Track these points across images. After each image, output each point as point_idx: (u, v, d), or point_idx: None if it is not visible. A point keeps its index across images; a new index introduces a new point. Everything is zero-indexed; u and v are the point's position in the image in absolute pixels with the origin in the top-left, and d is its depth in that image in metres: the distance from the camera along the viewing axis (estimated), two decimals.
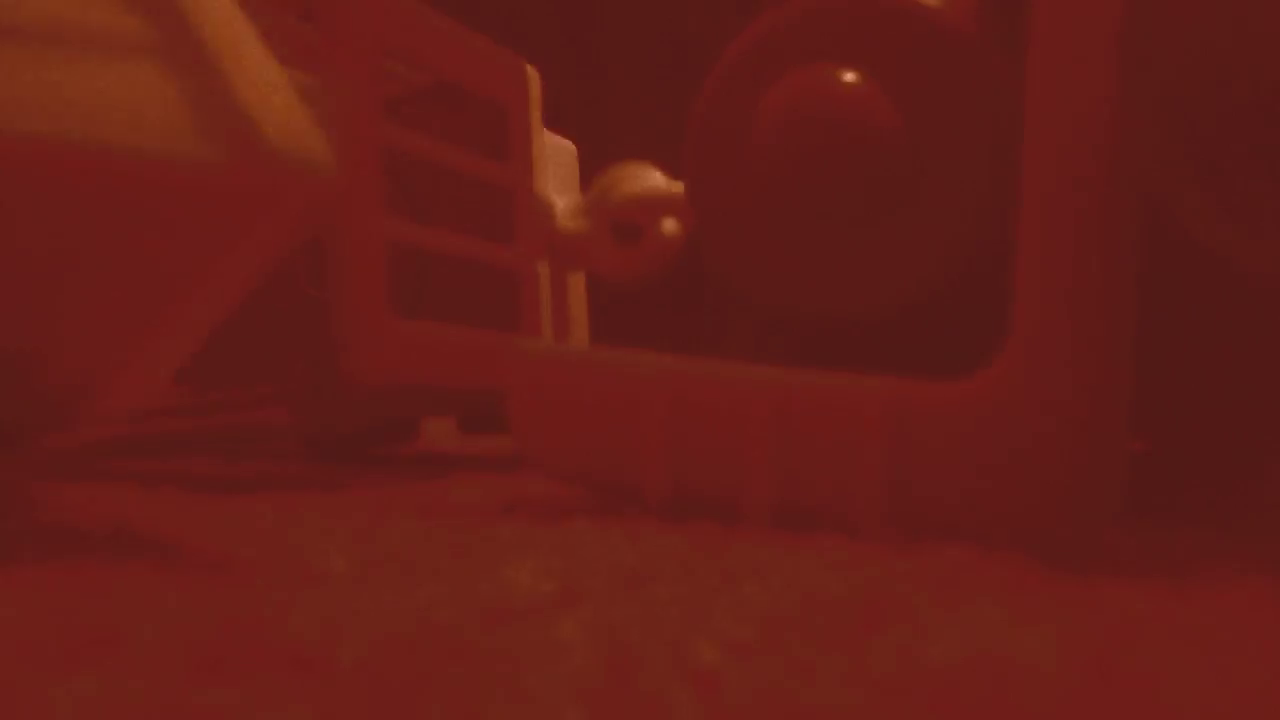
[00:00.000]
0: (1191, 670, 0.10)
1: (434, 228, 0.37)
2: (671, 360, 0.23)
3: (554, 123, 0.44)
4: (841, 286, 0.25)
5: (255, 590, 0.14)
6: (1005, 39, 0.22)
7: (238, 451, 0.32)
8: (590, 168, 0.47)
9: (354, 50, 0.33)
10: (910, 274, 0.24)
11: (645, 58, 0.71)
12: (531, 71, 0.42)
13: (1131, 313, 0.19)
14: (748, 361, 0.23)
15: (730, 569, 0.16)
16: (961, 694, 0.09)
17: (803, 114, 0.24)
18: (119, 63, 0.16)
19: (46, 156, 0.15)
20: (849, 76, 0.24)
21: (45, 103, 0.15)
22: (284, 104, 0.17)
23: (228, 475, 0.32)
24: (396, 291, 0.33)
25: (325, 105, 0.19)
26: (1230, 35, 0.17)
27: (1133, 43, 0.18)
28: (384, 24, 0.34)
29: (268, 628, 0.11)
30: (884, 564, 0.16)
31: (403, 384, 0.33)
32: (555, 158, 0.44)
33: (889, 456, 0.20)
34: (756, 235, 0.25)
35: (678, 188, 0.38)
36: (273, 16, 0.17)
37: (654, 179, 0.40)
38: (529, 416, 0.24)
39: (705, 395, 0.22)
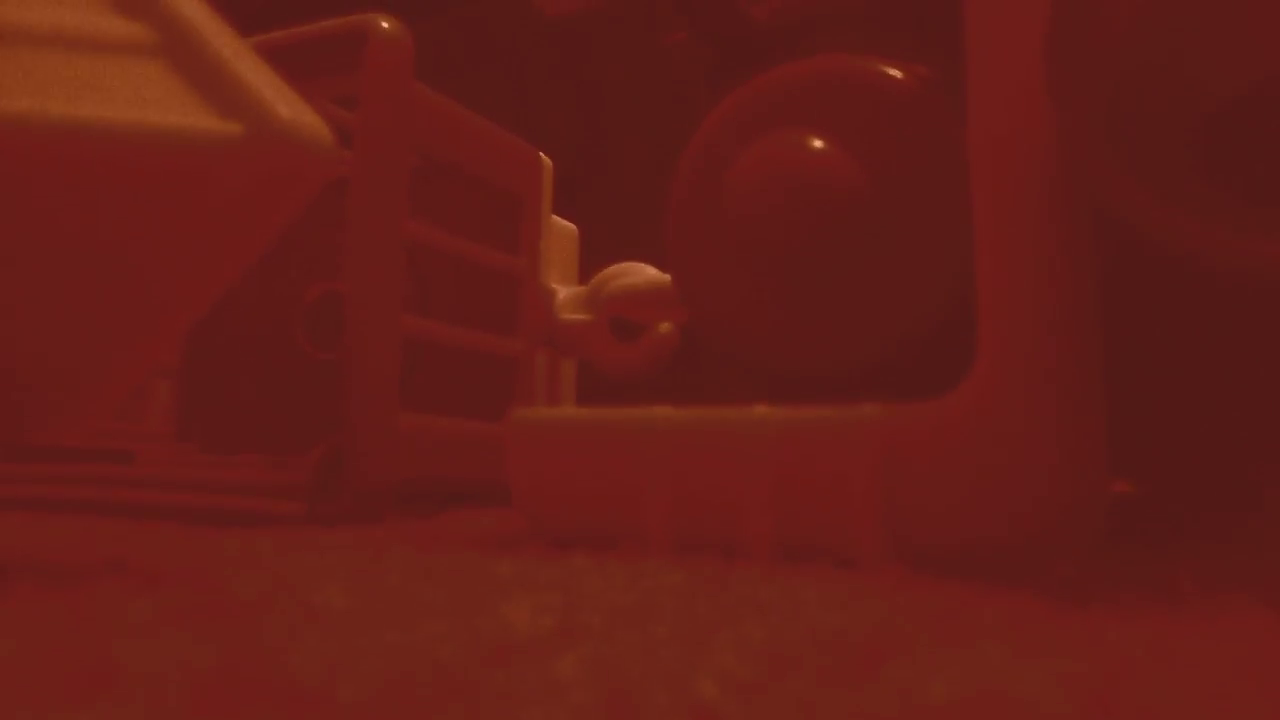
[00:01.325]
0: (1194, 704, 0.10)
1: (439, 314, 0.38)
2: (665, 411, 0.23)
3: (558, 200, 0.45)
4: (816, 342, 0.25)
5: (254, 627, 0.14)
6: (962, 101, 0.22)
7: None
8: (592, 248, 0.48)
9: (390, 145, 0.34)
10: (881, 329, 0.24)
11: (651, 138, 0.72)
12: (545, 161, 0.43)
13: (1095, 321, 0.20)
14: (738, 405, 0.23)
15: (730, 605, 0.16)
16: None
17: (772, 177, 0.24)
18: (128, 59, 0.17)
19: (57, 139, 0.16)
20: (816, 141, 0.24)
21: (58, 89, 0.16)
22: (287, 89, 0.17)
23: (227, 511, 0.32)
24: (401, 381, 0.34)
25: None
26: (1162, 44, 0.18)
27: (1061, 61, 0.18)
28: (419, 119, 0.35)
29: (266, 665, 0.11)
30: (885, 600, 0.16)
31: (410, 478, 0.34)
32: (558, 241, 0.45)
33: (880, 475, 0.20)
34: (733, 294, 0.26)
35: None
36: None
37: (653, 276, 0.41)
38: (531, 483, 0.24)
39: (701, 441, 0.22)
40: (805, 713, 0.10)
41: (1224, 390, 0.24)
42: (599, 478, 0.23)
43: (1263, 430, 0.25)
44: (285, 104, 0.17)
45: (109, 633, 0.13)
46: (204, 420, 0.41)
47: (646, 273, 0.41)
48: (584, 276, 0.45)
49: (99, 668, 0.11)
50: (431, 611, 0.15)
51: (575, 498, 0.24)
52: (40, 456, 0.37)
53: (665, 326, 0.42)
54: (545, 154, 0.43)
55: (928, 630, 0.14)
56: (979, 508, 0.20)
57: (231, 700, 0.10)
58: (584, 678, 0.11)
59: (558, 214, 0.45)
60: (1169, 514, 0.29)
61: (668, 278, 0.38)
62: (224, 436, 0.40)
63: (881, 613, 0.15)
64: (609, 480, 0.23)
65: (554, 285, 0.43)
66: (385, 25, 0.34)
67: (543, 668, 0.11)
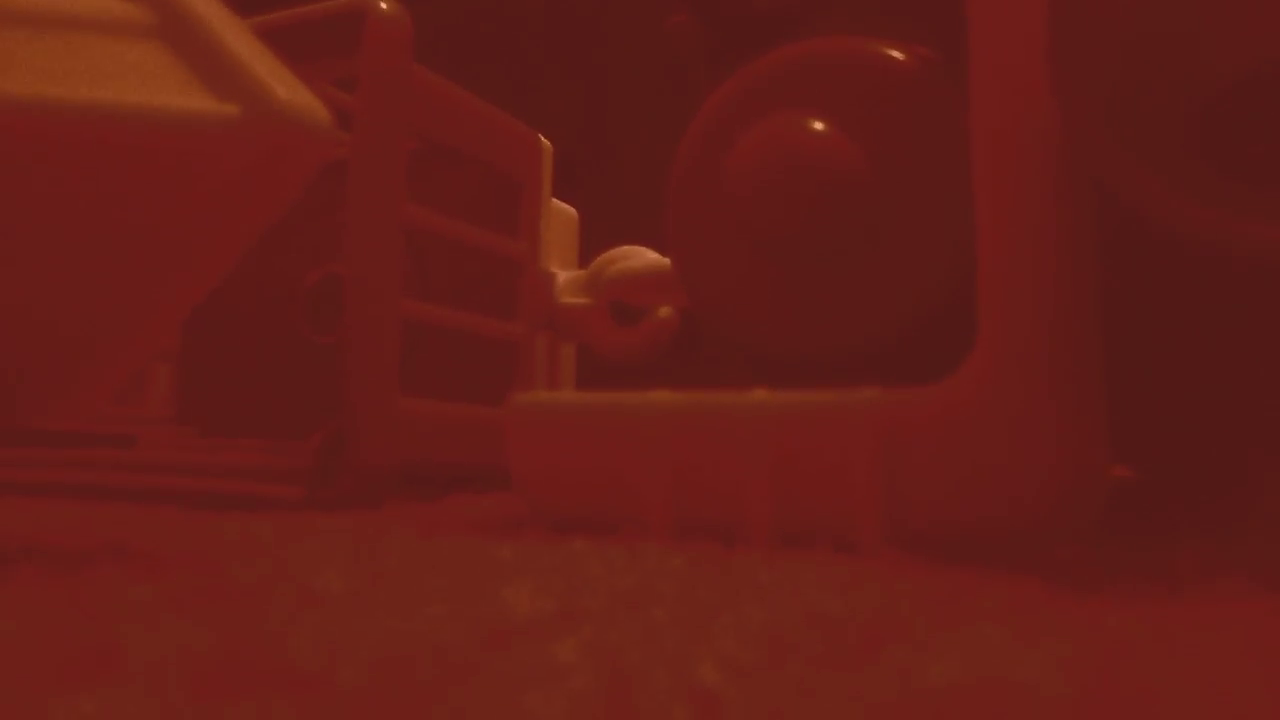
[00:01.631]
0: (1193, 688, 0.10)
1: (439, 298, 0.38)
2: (665, 395, 0.23)
3: (558, 184, 0.45)
4: (816, 326, 0.25)
5: (254, 611, 0.14)
6: (964, 84, 0.22)
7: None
8: (592, 232, 0.47)
9: (389, 127, 0.33)
10: (881, 313, 0.24)
11: (652, 121, 0.72)
12: (545, 144, 0.43)
13: (1095, 306, 0.20)
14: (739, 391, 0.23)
15: (730, 589, 0.16)
16: (963, 714, 0.09)
17: (772, 160, 0.24)
18: (125, 40, 0.17)
19: (55, 121, 0.15)
20: (816, 123, 0.24)
21: (55, 71, 0.16)
22: (284, 71, 0.17)
23: (227, 495, 0.32)
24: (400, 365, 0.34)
25: None
26: (1165, 26, 0.18)
27: (1064, 43, 0.18)
28: (419, 101, 0.35)
29: (267, 648, 0.11)
30: (884, 584, 0.16)
31: (410, 462, 0.34)
32: (558, 225, 0.45)
33: (879, 460, 0.20)
34: (733, 278, 0.26)
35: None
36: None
37: (653, 260, 0.41)
38: (531, 467, 0.24)
39: (701, 425, 0.22)
40: (805, 696, 0.10)
41: (1224, 375, 0.24)
42: (599, 462, 0.23)
43: (1262, 415, 0.25)
44: (283, 85, 0.17)
45: (109, 617, 0.13)
46: (204, 404, 0.41)
47: (646, 257, 0.41)
48: (584, 260, 0.45)
49: (100, 652, 0.11)
50: (431, 595, 0.15)
51: (575, 482, 0.24)
52: (40, 441, 0.37)
53: (665, 311, 0.42)
54: (545, 137, 0.43)
55: (927, 614, 0.14)
56: (979, 492, 0.20)
57: (231, 684, 0.10)
58: (584, 661, 0.11)
59: (558, 197, 0.45)
60: (1169, 499, 0.29)
61: (668, 262, 0.38)
62: (224, 420, 0.40)
63: (881, 597, 0.15)
64: (609, 464, 0.23)
65: (554, 269, 0.43)
66: (384, 6, 0.34)
67: (543, 651, 0.11)
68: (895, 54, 0.24)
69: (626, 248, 0.42)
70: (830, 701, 0.10)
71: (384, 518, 0.28)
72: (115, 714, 0.09)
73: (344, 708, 0.09)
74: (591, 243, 0.46)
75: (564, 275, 0.43)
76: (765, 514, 0.21)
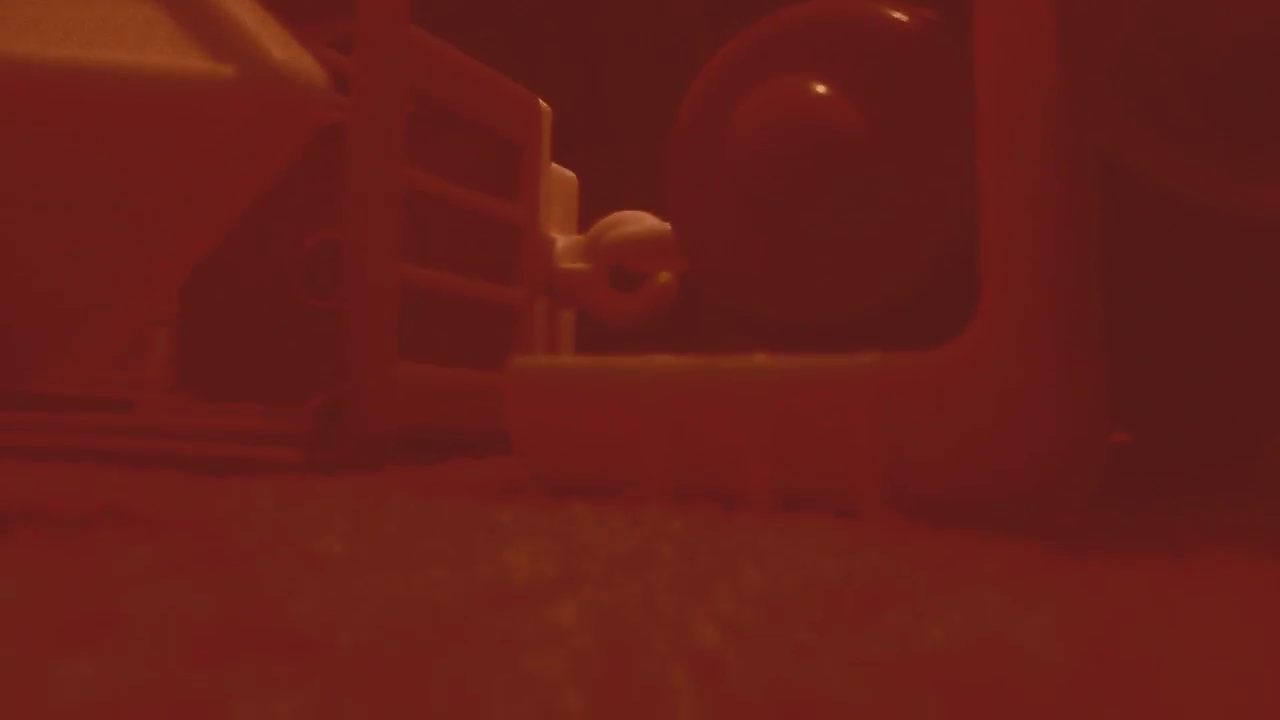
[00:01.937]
0: (1191, 652, 0.10)
1: (438, 262, 0.37)
2: (664, 359, 0.23)
3: (557, 148, 0.44)
4: (816, 292, 0.25)
5: (253, 574, 0.14)
6: (967, 46, 0.22)
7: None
8: (591, 197, 0.47)
9: (387, 90, 0.33)
10: (883, 277, 0.24)
11: (652, 84, 0.71)
12: (544, 107, 0.42)
13: (1097, 271, 0.19)
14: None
15: (730, 553, 0.16)
16: (962, 677, 0.09)
17: (772, 124, 0.24)
18: (120, 1, 0.17)
19: (51, 81, 0.15)
20: (818, 86, 0.24)
21: (52, 32, 0.16)
22: (281, 31, 0.17)
23: (226, 459, 0.32)
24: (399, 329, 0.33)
25: None
26: None
27: (1071, 7, 0.18)
28: (417, 64, 0.35)
29: (267, 611, 0.11)
30: (884, 548, 0.16)
31: (409, 427, 0.34)
32: (557, 190, 0.44)
33: (879, 424, 0.20)
34: (733, 243, 0.26)
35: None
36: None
37: (652, 225, 0.40)
38: (530, 432, 0.24)
39: (701, 389, 0.22)
40: (804, 658, 0.10)
41: (1224, 342, 0.24)
42: (598, 426, 0.23)
43: (1262, 381, 0.25)
44: (279, 45, 0.17)
45: (109, 580, 0.13)
46: (203, 369, 0.41)
47: (646, 221, 0.41)
48: (583, 225, 0.45)
49: (99, 615, 0.11)
50: (431, 559, 0.15)
51: (575, 446, 0.24)
52: (39, 405, 0.37)
53: (665, 275, 0.42)
54: (544, 100, 0.43)
55: (926, 578, 0.14)
56: (978, 457, 0.20)
57: (231, 647, 0.10)
58: (584, 624, 0.11)
59: (557, 161, 0.45)
60: (1168, 465, 0.29)
61: (667, 226, 0.38)
62: (223, 385, 0.40)
63: (880, 561, 0.15)
64: (608, 429, 0.23)
65: (553, 234, 0.43)
66: None
67: (542, 614, 0.11)
68: (898, 15, 0.24)
69: (626, 212, 0.42)
70: (829, 663, 0.10)
71: (383, 482, 0.28)
72: (115, 677, 0.09)
73: (344, 670, 0.09)
74: (591, 207, 0.46)
75: (563, 240, 0.43)
76: (765, 478, 0.21)
